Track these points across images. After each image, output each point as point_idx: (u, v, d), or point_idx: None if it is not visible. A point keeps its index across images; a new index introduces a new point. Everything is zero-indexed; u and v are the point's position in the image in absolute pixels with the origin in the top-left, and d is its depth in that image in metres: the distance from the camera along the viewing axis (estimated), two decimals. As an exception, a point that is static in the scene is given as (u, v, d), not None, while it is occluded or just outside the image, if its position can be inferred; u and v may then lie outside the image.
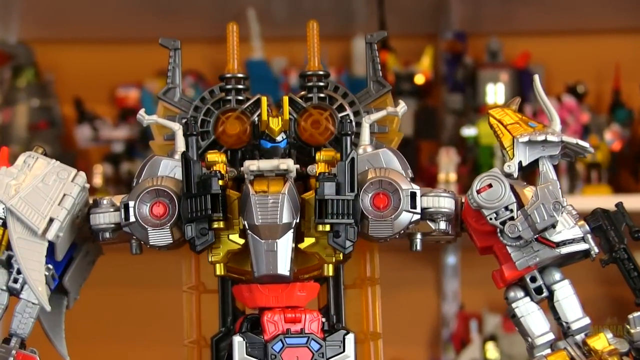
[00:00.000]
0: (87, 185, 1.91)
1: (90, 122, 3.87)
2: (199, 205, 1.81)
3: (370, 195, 1.82)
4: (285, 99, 1.91)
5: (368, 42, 2.00)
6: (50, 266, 1.90)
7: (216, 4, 3.75)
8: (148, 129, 3.80)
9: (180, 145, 1.92)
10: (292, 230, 1.80)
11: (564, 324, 1.89)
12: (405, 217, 1.82)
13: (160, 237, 1.84)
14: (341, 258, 1.85)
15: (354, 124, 1.93)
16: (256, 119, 1.95)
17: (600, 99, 3.89)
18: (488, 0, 3.79)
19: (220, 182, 1.83)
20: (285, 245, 1.80)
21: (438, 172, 3.56)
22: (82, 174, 1.91)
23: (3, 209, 1.87)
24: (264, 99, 1.91)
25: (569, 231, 1.86)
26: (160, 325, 3.89)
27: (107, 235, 1.91)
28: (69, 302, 2.03)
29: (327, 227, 1.80)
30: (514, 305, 1.89)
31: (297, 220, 1.81)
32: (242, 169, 1.87)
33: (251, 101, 1.99)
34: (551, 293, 1.89)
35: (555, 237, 1.85)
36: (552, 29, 3.91)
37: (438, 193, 1.86)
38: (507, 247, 1.84)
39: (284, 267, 1.80)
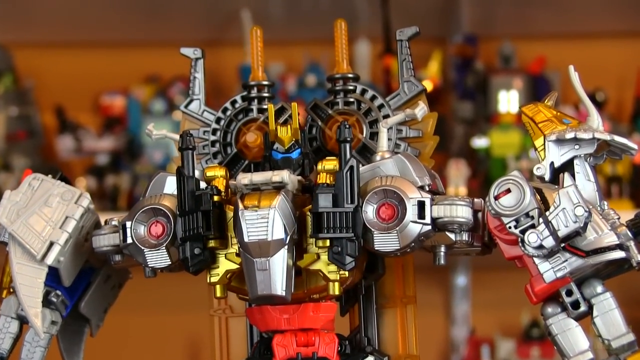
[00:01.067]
0: (92, 207, 1.93)
1: (72, 132, 3.86)
2: (191, 223, 1.81)
3: (374, 206, 1.80)
4: (294, 105, 1.89)
5: (399, 39, 1.97)
6: (59, 292, 1.94)
7: (207, 4, 3.75)
8: (135, 140, 3.84)
9: None
10: (286, 246, 1.78)
11: (605, 341, 1.82)
12: (413, 229, 1.79)
13: (157, 258, 1.84)
14: (347, 275, 1.82)
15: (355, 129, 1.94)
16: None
17: (622, 107, 3.89)
18: (501, 1, 3.80)
19: (216, 198, 1.82)
20: (279, 263, 1.78)
21: (447, 186, 3.56)
22: (87, 195, 1.93)
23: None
24: (271, 107, 1.90)
25: (602, 238, 1.80)
26: (176, 351, 3.90)
27: (118, 257, 1.92)
28: (92, 330, 2.05)
29: (327, 242, 1.78)
30: (548, 322, 1.84)
31: (295, 236, 1.79)
32: (234, 182, 1.86)
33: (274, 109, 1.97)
34: (591, 307, 1.83)
35: (586, 245, 1.80)
36: (570, 32, 3.91)
37: (453, 201, 1.81)
38: (533, 258, 1.80)
39: (279, 286, 1.77)
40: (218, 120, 2.03)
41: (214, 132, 2.03)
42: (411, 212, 1.79)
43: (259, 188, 1.82)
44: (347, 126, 1.82)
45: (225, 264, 1.84)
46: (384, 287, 1.98)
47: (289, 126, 1.88)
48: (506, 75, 3.73)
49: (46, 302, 1.93)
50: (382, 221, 1.80)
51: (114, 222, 1.92)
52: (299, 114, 1.94)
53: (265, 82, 2.02)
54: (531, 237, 1.77)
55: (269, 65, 3.81)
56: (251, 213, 1.78)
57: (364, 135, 1.96)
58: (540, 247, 1.78)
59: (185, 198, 1.82)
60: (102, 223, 1.95)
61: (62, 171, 3.81)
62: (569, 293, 1.83)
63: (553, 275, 1.81)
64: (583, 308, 1.83)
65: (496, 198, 1.78)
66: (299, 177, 1.86)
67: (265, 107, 2.00)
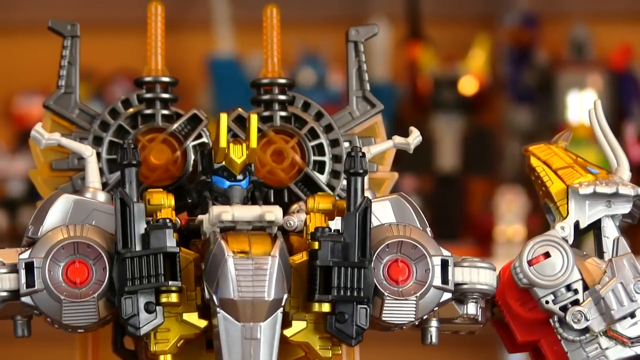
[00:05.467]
0: None
1: (-26, 149, 3.89)
2: (145, 268, 1.82)
3: (383, 262, 1.83)
4: (254, 117, 1.89)
5: (352, 40, 2.03)
6: None
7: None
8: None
9: (93, 178, 1.96)
10: (281, 309, 1.79)
11: None
12: (434, 297, 1.85)
13: (80, 313, 1.85)
14: (340, 352, 1.86)
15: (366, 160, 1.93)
16: (190, 145, 2.00)
17: None
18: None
19: (174, 236, 1.83)
20: (271, 331, 1.81)
21: (495, 224, 3.55)
22: None
23: None
24: (224, 116, 1.88)
25: None
26: None
27: None
28: None
29: (324, 307, 1.82)
30: None
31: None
32: (200, 218, 1.88)
33: (184, 118, 2.03)
34: None
35: (630, 330, 1.87)
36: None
37: (473, 262, 1.87)
38: (562, 343, 1.85)
39: (269, 363, 1.73)
40: (103, 126, 2.02)
41: (96, 140, 2.01)
42: (434, 274, 1.84)
43: (233, 227, 1.83)
44: (362, 154, 1.82)
45: (179, 328, 1.87)
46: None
47: (244, 145, 1.88)
48: (579, 69, 3.77)
49: None
50: (392, 283, 1.83)
51: None
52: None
53: (166, 79, 2.03)
54: (575, 317, 1.84)
55: (250, 56, 3.82)
56: (244, 261, 1.80)
57: (308, 164, 2.00)
58: (585, 330, 1.85)
59: (132, 233, 1.82)
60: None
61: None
62: None
63: None
64: None
65: (530, 263, 1.82)
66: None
67: (167, 112, 2.02)
